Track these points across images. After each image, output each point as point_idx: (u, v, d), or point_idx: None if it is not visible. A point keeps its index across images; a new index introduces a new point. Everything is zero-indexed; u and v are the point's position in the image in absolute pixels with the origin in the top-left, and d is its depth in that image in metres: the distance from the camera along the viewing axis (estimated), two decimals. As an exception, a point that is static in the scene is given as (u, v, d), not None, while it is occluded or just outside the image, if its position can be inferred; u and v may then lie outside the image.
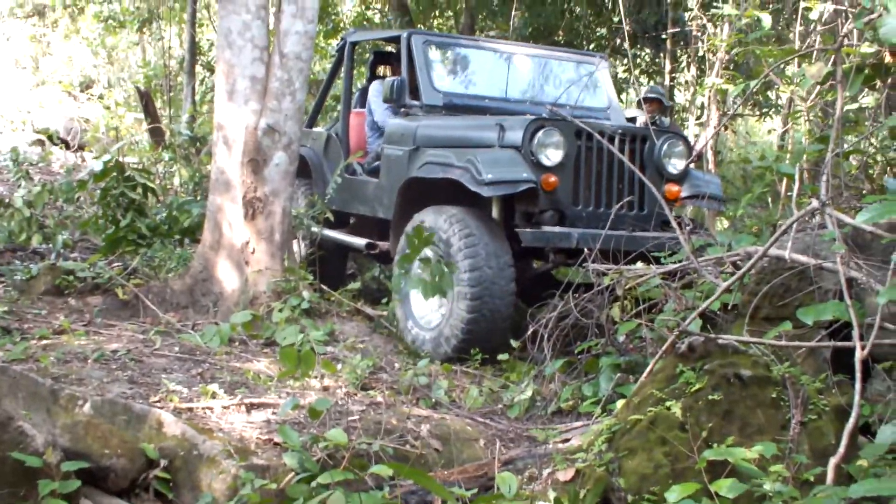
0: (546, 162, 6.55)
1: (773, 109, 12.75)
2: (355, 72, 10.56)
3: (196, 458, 4.10)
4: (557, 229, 6.52)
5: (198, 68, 16.06)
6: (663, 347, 4.43)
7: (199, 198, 8.82)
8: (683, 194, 7.03)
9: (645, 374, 4.36)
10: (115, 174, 7.47)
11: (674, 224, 5.24)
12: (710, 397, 3.78)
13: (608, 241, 6.15)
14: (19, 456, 3.59)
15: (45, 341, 5.77)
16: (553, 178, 6.56)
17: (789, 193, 7.20)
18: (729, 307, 4.95)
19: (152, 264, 7.28)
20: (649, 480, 3.60)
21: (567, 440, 4.67)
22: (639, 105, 9.37)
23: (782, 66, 8.03)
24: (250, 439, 4.35)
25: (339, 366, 5.70)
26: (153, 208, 8.02)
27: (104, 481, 4.02)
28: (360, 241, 7.94)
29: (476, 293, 6.29)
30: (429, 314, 6.76)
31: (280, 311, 6.55)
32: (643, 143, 6.92)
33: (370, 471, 3.76)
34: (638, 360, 5.12)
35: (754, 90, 8.62)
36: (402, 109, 7.78)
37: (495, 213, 6.83)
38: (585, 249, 5.84)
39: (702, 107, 12.07)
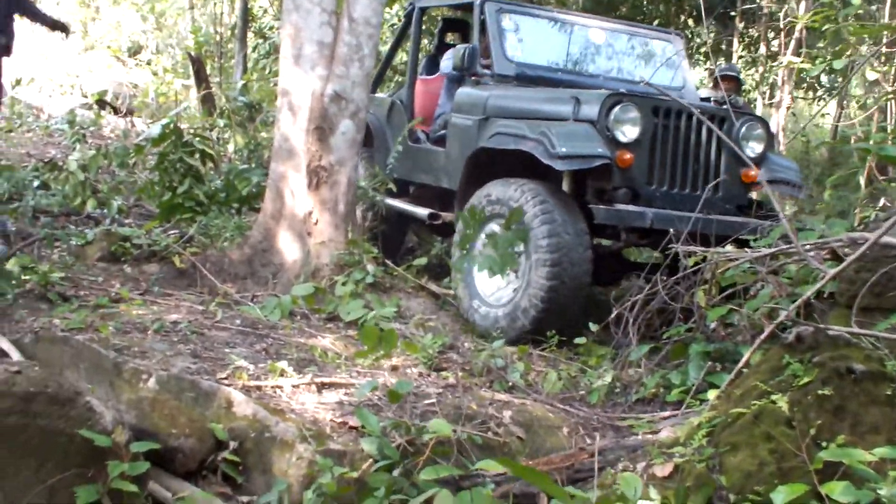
0: (622, 138, 6.29)
1: (832, 92, 12.33)
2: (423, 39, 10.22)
3: (268, 441, 3.84)
4: (632, 208, 6.25)
5: (249, 35, 15.78)
6: (762, 336, 4.16)
7: (254, 165, 8.54)
8: (761, 179, 6.73)
9: (741, 364, 4.09)
10: (172, 139, 7.20)
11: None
12: (819, 392, 3.49)
13: (684, 222, 5.91)
14: (88, 434, 3.35)
15: (102, 310, 5.54)
16: (628, 155, 6.30)
17: (883, 178, 6.83)
18: (825, 295, 4.64)
19: (209, 233, 7.03)
20: (753, 479, 3.33)
21: (656, 431, 4.38)
22: (714, 84, 9.01)
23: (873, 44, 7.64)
24: (324, 422, 4.08)
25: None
26: (209, 176, 7.75)
27: (171, 462, 3.77)
28: (422, 212, 7.68)
29: (556, 259, 6.03)
30: (497, 291, 6.48)
31: (343, 284, 6.30)
32: (721, 125, 6.61)
33: (476, 467, 3.49)
34: (728, 349, 4.81)
35: (847, 70, 8.19)
36: (473, 78, 7.50)
37: (566, 187, 6.59)
38: (671, 231, 5.55)
39: (772, 86, 11.66)
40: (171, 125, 7.22)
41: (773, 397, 3.54)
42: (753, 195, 6.82)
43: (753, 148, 6.72)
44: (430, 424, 3.89)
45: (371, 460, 3.77)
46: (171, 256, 6.58)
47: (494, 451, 4.10)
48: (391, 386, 4.21)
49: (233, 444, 3.87)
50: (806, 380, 3.54)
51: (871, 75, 8.11)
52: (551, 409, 4.71)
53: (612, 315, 5.25)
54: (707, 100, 8.39)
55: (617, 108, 6.29)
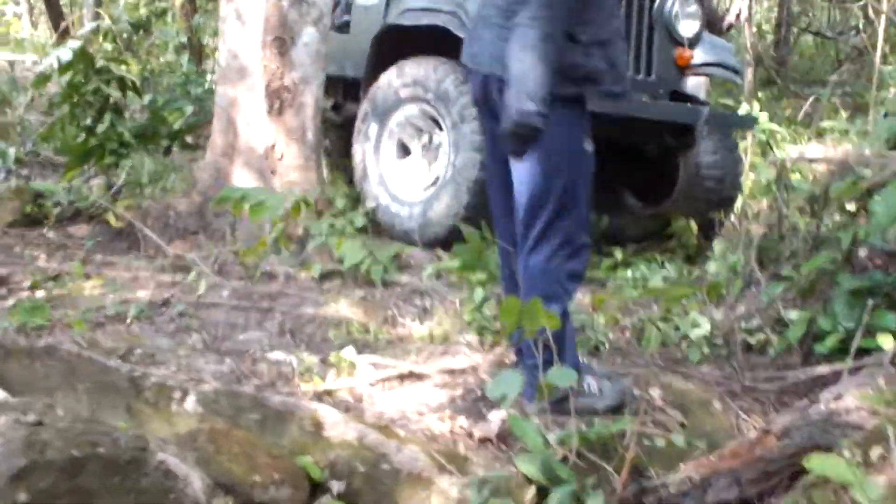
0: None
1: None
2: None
3: (389, 476, 2.69)
4: None
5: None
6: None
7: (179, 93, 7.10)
8: (696, 61, 5.91)
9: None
10: (81, 67, 5.74)
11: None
12: None
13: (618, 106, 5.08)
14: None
15: (39, 292, 4.25)
16: None
17: None
18: None
19: (140, 180, 5.68)
20: None
21: (839, 396, 3.41)
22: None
23: None
24: (443, 436, 2.96)
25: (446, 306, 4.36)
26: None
27: (260, 525, 2.59)
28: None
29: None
30: (411, 182, 5.71)
31: (322, 234, 5.09)
32: (651, 1, 5.75)
33: None
34: (885, 281, 3.85)
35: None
36: None
37: None
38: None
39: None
40: (80, 49, 5.74)
41: None
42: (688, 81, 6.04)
43: (687, 27, 5.93)
44: (597, 425, 2.83)
45: (533, 487, 2.68)
46: (103, 214, 5.25)
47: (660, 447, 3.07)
48: (522, 374, 3.06)
49: (336, 486, 2.71)
50: None
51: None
52: (677, 377, 3.69)
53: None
54: None
55: None
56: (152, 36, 8.96)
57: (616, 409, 3.21)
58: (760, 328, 4.10)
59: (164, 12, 9.67)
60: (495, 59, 3.00)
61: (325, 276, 4.95)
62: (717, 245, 5.28)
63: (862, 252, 3.90)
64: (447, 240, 5.35)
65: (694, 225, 5.47)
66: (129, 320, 3.85)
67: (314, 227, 5.04)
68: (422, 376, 3.41)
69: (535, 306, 2.82)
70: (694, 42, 5.91)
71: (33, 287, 4.32)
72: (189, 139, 6.20)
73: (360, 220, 5.26)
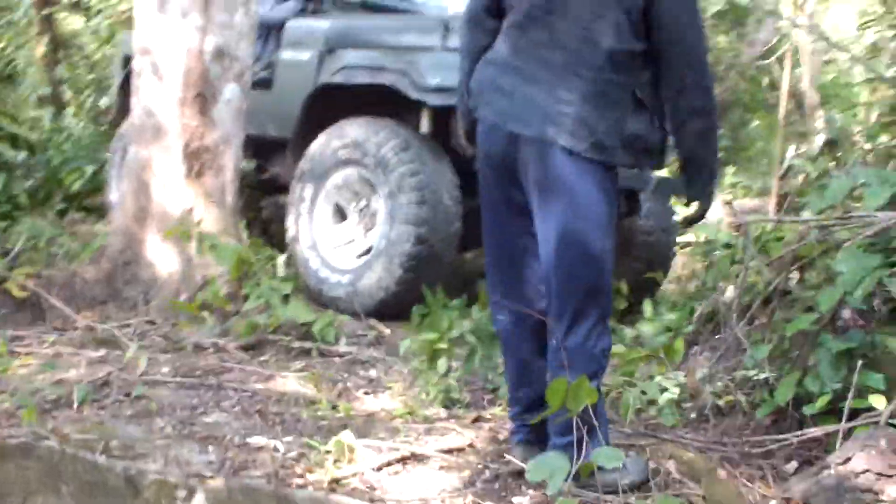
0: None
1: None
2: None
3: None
4: None
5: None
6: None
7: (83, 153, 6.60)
8: None
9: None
10: (-31, 122, 5.28)
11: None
12: None
13: None
14: None
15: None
16: None
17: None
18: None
19: (37, 245, 5.24)
20: None
21: (847, 459, 3.34)
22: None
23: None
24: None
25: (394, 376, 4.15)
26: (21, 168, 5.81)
27: None
28: (246, 165, 6.22)
29: (423, 217, 5.18)
30: (343, 251, 5.56)
31: (260, 296, 4.80)
32: None
33: None
34: (863, 342, 3.82)
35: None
36: (310, 5, 6.33)
37: (425, 128, 5.42)
38: None
39: None
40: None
41: None
42: None
43: None
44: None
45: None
46: (3, 283, 4.80)
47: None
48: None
49: None
50: None
51: None
52: (676, 446, 3.55)
53: (698, 312, 4.13)
54: None
55: None
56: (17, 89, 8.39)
57: (640, 485, 3.05)
58: (728, 390, 4.02)
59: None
60: (549, 120, 2.81)
61: (251, 347, 4.69)
62: (647, 306, 5.24)
63: (846, 314, 3.87)
64: (376, 312, 5.15)
65: (625, 287, 5.41)
66: (74, 405, 3.46)
67: (250, 288, 4.74)
68: (423, 458, 3.16)
69: (583, 384, 2.64)
70: None
71: (-56, 370, 3.87)
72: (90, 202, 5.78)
73: (287, 286, 4.96)
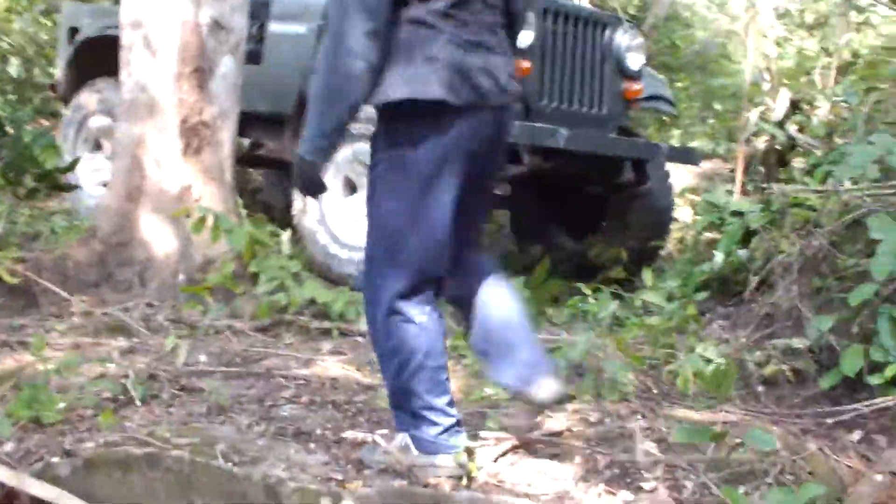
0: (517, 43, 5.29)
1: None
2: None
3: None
4: (540, 125, 5.24)
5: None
6: None
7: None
8: (644, 95, 5.98)
9: None
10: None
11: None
12: None
13: (593, 143, 5.35)
14: None
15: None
16: (526, 64, 5.35)
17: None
18: None
19: (14, 228, 4.97)
20: None
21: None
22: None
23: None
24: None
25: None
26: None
27: None
28: (243, 141, 6.02)
29: None
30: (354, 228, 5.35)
31: (273, 276, 4.67)
32: (602, 32, 5.74)
33: None
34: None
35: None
36: None
37: None
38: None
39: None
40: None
41: None
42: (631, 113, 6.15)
43: (635, 60, 5.92)
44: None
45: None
46: (-6, 270, 4.55)
47: None
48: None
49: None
50: None
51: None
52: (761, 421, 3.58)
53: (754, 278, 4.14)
54: None
55: None
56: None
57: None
58: (768, 360, 4.07)
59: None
60: (511, 86, 2.77)
61: (266, 328, 4.58)
62: (647, 274, 5.27)
63: None
64: None
65: (624, 256, 5.44)
66: (138, 402, 3.30)
67: (262, 267, 4.60)
68: (528, 444, 3.12)
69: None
70: (640, 75, 5.87)
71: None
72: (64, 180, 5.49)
73: (295, 265, 4.83)
